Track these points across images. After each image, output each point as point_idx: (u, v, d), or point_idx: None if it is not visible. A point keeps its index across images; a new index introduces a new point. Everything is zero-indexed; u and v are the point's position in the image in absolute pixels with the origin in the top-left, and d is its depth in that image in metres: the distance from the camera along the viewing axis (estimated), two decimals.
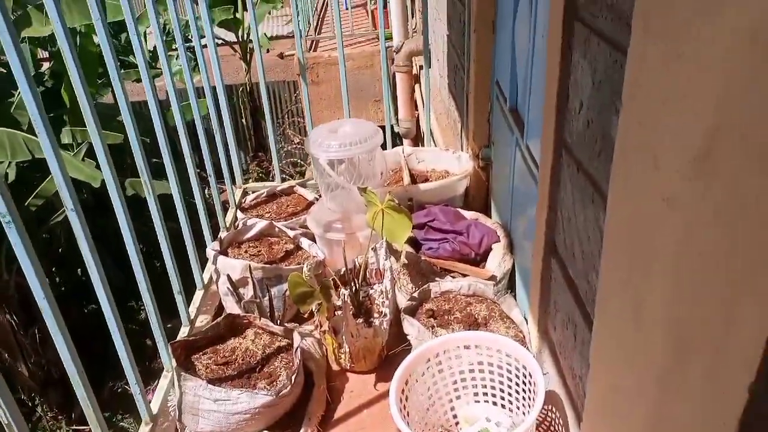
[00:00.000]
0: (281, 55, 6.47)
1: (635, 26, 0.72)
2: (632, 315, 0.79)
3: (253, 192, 2.38)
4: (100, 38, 1.35)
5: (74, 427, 5.06)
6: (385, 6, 4.91)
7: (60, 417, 5.07)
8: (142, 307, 5.56)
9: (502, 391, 1.32)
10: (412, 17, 5.11)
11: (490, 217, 1.99)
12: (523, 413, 1.26)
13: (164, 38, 1.75)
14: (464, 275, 1.70)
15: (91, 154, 4.49)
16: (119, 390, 4.92)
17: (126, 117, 1.42)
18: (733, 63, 0.52)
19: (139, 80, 5.13)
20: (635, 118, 0.74)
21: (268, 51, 6.63)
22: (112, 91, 5.98)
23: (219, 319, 1.55)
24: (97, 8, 1.31)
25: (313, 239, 1.93)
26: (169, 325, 1.67)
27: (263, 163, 7.63)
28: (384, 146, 2.12)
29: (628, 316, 0.80)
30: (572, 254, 1.13)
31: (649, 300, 0.73)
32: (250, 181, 4.51)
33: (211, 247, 1.82)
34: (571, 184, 1.11)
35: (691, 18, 0.58)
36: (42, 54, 5.86)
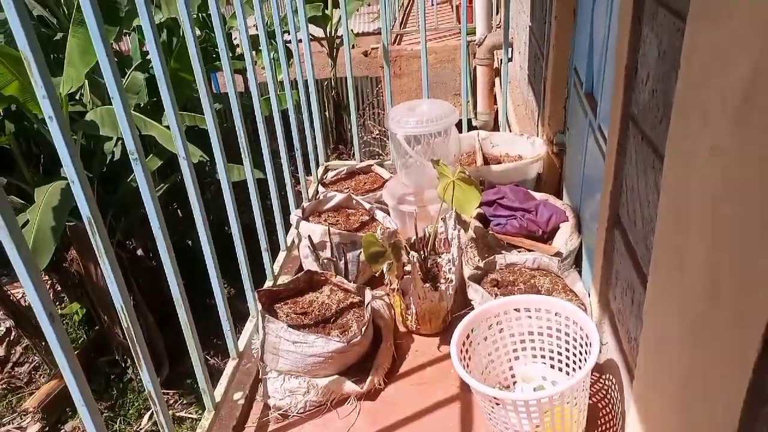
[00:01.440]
0: (366, 53, 6.68)
1: None
2: (678, 265, 0.85)
3: (334, 170, 2.54)
4: (216, 28, 1.53)
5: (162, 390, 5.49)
6: (470, 1, 4.97)
7: None
8: (226, 286, 5.94)
9: (559, 354, 1.39)
10: (497, 12, 5.14)
11: (561, 200, 2.03)
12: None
13: (266, 33, 1.92)
14: (530, 251, 1.76)
15: (189, 137, 4.86)
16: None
17: (233, 103, 1.60)
18: None
19: (238, 70, 5.48)
20: (690, 79, 0.80)
21: (353, 47, 6.86)
22: (207, 82, 6.41)
23: (299, 275, 1.70)
24: (216, 6, 1.49)
25: (387, 212, 2.06)
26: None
27: (342, 155, 7.90)
28: (460, 131, 2.21)
29: (675, 266, 0.86)
30: (633, 222, 1.18)
31: (692, 248, 0.79)
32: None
33: (295, 213, 1.99)
34: (636, 154, 1.16)
35: None
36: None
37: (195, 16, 5.32)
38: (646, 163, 1.09)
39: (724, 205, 0.69)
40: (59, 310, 5.25)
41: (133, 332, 1.03)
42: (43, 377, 5.33)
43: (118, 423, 4.85)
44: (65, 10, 4.64)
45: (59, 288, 5.39)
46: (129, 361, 5.44)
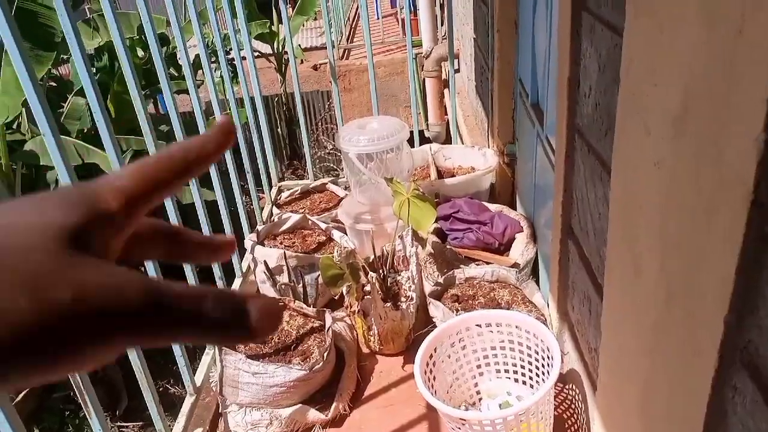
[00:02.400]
0: (315, 67, 6.66)
1: (628, 8, 0.79)
2: (633, 275, 0.85)
3: (288, 189, 2.50)
4: (153, 51, 1.48)
5: (119, 424, 5.28)
6: (414, 14, 5.03)
7: (106, 413, 5.29)
8: None
9: (523, 367, 1.39)
10: (441, 25, 5.21)
11: (515, 210, 2.05)
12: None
13: (207, 51, 1.88)
14: (488, 263, 1.77)
15: (133, 160, 4.72)
16: (159, 389, 5.12)
17: (176, 125, 1.54)
18: (698, 35, 0.59)
19: (179, 92, 5.38)
20: (630, 92, 0.81)
21: (302, 62, 6.83)
22: (153, 103, 6.26)
23: None
24: (150, 23, 1.44)
25: (344, 231, 2.03)
26: None
27: (297, 171, 7.83)
28: (412, 145, 2.21)
29: (630, 277, 0.87)
30: (586, 232, 1.20)
31: (645, 256, 0.80)
32: None
33: (249, 238, 1.94)
34: (583, 165, 1.18)
35: None
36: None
37: (137, 37, 5.19)
38: (594, 175, 1.10)
39: (670, 215, 0.70)
40: None
41: (80, 382, 0.97)
42: None
43: None
44: None
45: None
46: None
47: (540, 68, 1.71)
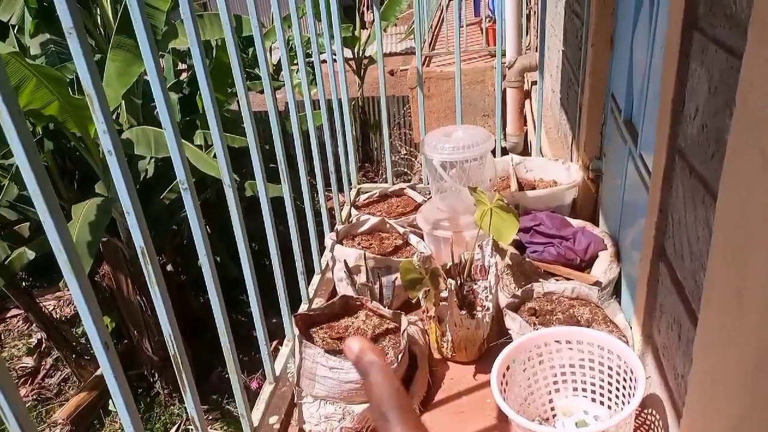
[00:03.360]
0: (392, 72, 6.75)
1: (751, 34, 0.78)
2: (735, 305, 0.83)
3: (366, 192, 2.55)
4: (230, 52, 1.54)
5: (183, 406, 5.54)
6: (494, 24, 4.99)
7: (174, 394, 5.56)
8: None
9: (602, 387, 1.36)
10: (526, 34, 5.15)
11: (598, 227, 2.01)
12: (623, 410, 1.29)
13: (288, 53, 1.94)
14: (568, 279, 1.74)
15: None
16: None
17: (247, 124, 1.59)
18: None
19: (262, 91, 5.60)
20: (747, 119, 0.79)
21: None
22: (238, 100, 6.53)
23: (335, 299, 1.71)
24: (229, 25, 1.51)
25: (421, 237, 2.06)
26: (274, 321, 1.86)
27: (369, 173, 7.95)
28: (494, 154, 2.21)
29: (732, 307, 0.84)
30: (681, 256, 1.16)
31: (751, 288, 0.77)
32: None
33: (329, 236, 2.00)
34: (683, 187, 1.15)
35: None
36: (180, 65, 6.51)
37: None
38: (696, 198, 1.08)
39: None
40: None
41: (180, 361, 1.05)
42: (72, 389, 5.41)
43: None
44: (102, 31, 4.78)
45: None
46: (156, 375, 5.49)
47: (637, 85, 1.67)
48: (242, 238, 1.36)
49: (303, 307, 1.87)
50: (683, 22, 1.10)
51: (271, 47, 6.89)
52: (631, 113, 1.75)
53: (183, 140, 4.11)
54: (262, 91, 5.59)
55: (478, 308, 1.66)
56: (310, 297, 1.93)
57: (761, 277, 0.74)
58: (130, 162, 4.85)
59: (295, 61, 2.09)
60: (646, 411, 1.38)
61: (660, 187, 1.24)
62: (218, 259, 5.32)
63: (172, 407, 5.51)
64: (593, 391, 1.38)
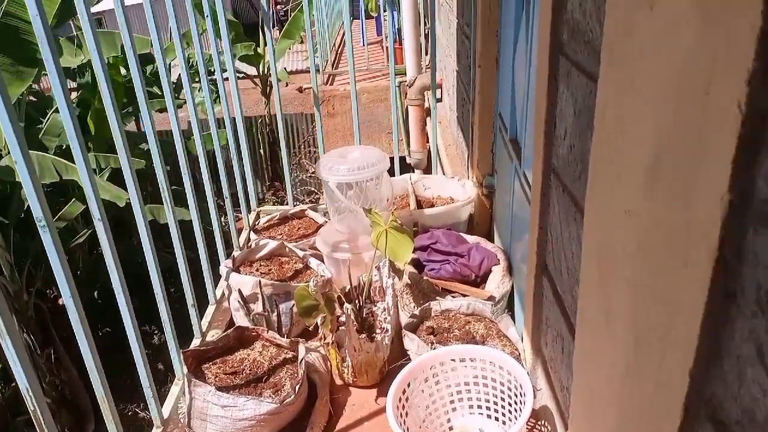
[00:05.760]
0: (300, 89, 6.69)
1: (603, 58, 0.81)
2: (604, 320, 0.86)
3: (267, 215, 2.48)
4: (132, 69, 1.47)
5: None
6: (399, 43, 5.09)
7: None
8: (155, 332, 5.65)
9: (495, 404, 1.38)
10: (426, 54, 5.29)
11: (493, 242, 2.06)
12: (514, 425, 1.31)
13: (189, 71, 1.88)
14: (464, 295, 1.77)
15: (112, 178, 4.66)
16: (128, 413, 4.99)
17: (152, 144, 1.53)
18: (668, 92, 0.60)
19: (161, 110, 5.35)
20: (603, 140, 0.83)
21: (287, 84, 6.86)
22: (135, 120, 6.21)
23: (229, 331, 1.63)
24: (130, 40, 1.44)
25: (321, 260, 2.02)
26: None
27: (279, 192, 7.82)
28: (392, 174, 2.22)
29: (602, 322, 0.87)
30: (560, 271, 1.20)
31: (616, 304, 0.80)
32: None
33: (224, 264, 1.92)
34: (558, 205, 1.19)
35: (640, 49, 0.67)
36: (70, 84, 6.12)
37: (121, 56, 5.16)
38: (569, 215, 1.12)
39: (640, 264, 0.71)
40: None
41: (41, 418, 0.94)
42: None
43: None
44: None
45: None
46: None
47: (519, 104, 1.74)
48: (116, 272, 1.26)
49: (195, 342, 1.77)
50: (551, 46, 1.15)
51: (170, 65, 6.65)
52: (516, 132, 1.81)
53: (71, 164, 3.84)
54: (159, 110, 5.37)
55: (378, 330, 1.64)
56: (204, 330, 1.83)
57: (623, 290, 0.77)
58: (13, 189, 4.46)
59: (197, 79, 2.01)
60: (539, 423, 1.42)
61: (539, 205, 1.28)
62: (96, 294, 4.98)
63: None
64: (488, 408, 1.39)
